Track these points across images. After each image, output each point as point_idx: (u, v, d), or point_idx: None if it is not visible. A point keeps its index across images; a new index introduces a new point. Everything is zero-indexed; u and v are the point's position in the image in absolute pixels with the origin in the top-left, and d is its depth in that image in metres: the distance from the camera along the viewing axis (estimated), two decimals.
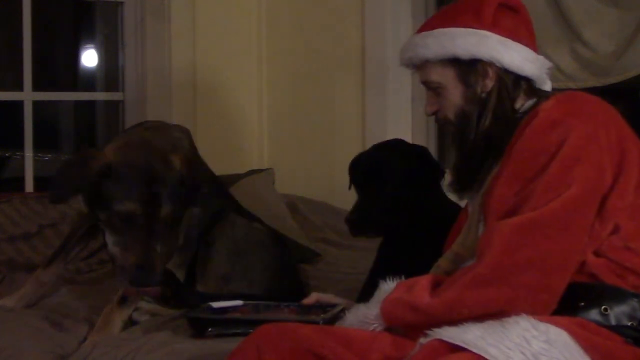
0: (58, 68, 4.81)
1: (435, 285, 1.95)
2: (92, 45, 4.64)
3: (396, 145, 2.81)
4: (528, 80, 2.11)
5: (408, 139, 3.97)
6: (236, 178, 3.68)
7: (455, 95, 2.10)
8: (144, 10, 4.05)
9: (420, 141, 4.01)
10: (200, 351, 2.24)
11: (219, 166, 3.94)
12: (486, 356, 1.72)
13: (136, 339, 2.39)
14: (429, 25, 2.19)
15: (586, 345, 1.78)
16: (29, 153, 3.88)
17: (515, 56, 2.07)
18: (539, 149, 1.94)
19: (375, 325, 1.97)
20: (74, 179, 2.54)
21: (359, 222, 2.67)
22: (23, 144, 3.87)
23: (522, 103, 2.11)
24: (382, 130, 3.98)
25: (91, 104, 4.58)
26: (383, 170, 2.68)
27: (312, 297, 2.37)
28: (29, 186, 3.88)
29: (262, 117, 4.37)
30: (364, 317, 1.99)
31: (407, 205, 2.62)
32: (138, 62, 4.07)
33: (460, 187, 2.15)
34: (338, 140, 4.16)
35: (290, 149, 4.30)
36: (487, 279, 1.85)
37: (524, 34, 2.12)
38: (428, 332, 1.82)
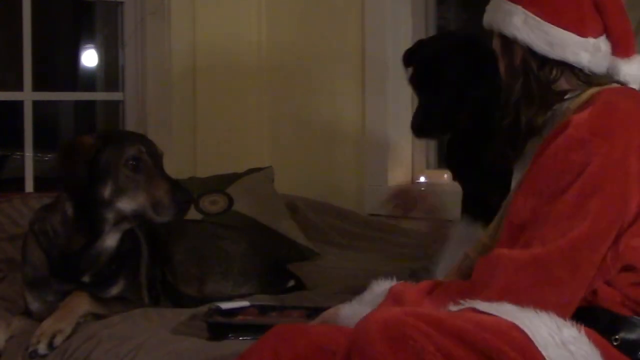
0: (58, 68, 4.81)
1: (427, 294, 1.90)
2: (92, 45, 4.65)
3: (451, 36, 2.72)
4: (562, 65, 1.98)
5: (408, 138, 3.99)
6: (235, 177, 3.68)
7: (502, 65, 2.06)
8: (144, 10, 4.05)
9: (419, 140, 4.01)
10: (202, 350, 2.24)
11: (219, 166, 3.95)
12: (521, 325, 1.73)
13: (138, 336, 2.39)
14: None
15: (606, 353, 1.78)
16: (29, 153, 3.87)
17: (538, 38, 1.96)
18: (560, 169, 1.85)
19: None
20: (77, 162, 2.56)
21: (422, 124, 2.61)
22: (23, 144, 3.87)
23: (567, 88, 1.99)
24: (382, 130, 3.98)
25: (91, 104, 4.58)
26: (443, 65, 2.61)
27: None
28: (29, 186, 3.88)
29: (262, 117, 4.37)
30: (357, 318, 1.94)
31: (472, 101, 2.55)
32: (138, 62, 4.07)
33: (494, 159, 2.10)
34: (338, 140, 4.16)
35: (290, 149, 4.30)
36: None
37: (571, 16, 1.97)
38: (461, 302, 1.80)
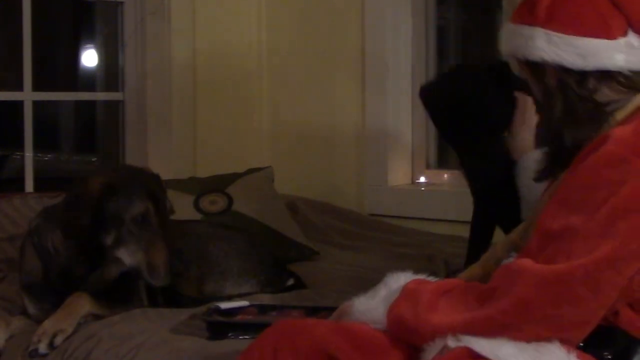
0: (58, 68, 4.80)
1: (443, 294, 1.86)
2: (92, 45, 4.64)
3: (478, 74, 2.55)
4: (600, 74, 1.90)
5: (408, 138, 4.00)
6: (235, 176, 3.68)
7: (535, 89, 1.99)
8: (144, 10, 4.05)
9: (419, 140, 4.02)
10: (202, 349, 2.24)
11: (219, 166, 3.95)
12: None
13: (138, 336, 2.39)
14: (511, 16, 2.03)
15: None
16: (29, 153, 3.88)
17: (568, 53, 1.88)
18: (594, 184, 1.79)
19: (381, 327, 1.89)
20: (82, 210, 2.54)
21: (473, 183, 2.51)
22: (23, 144, 3.87)
23: (610, 96, 1.91)
24: (382, 130, 3.98)
25: (91, 104, 4.57)
26: (475, 113, 2.49)
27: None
28: (29, 186, 3.88)
29: (263, 117, 4.37)
30: (371, 314, 1.91)
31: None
32: (138, 62, 4.07)
33: (544, 174, 2.03)
34: (338, 140, 4.16)
35: (290, 149, 4.30)
36: (500, 324, 1.76)
37: (591, 21, 1.89)
38: (461, 337, 1.75)
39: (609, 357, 1.82)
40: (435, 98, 2.59)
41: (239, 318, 2.37)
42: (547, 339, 1.75)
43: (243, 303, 2.43)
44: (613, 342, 1.82)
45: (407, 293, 1.88)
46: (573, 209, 1.79)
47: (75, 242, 2.58)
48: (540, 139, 2.03)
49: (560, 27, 1.89)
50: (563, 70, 1.90)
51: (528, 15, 1.92)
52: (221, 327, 2.32)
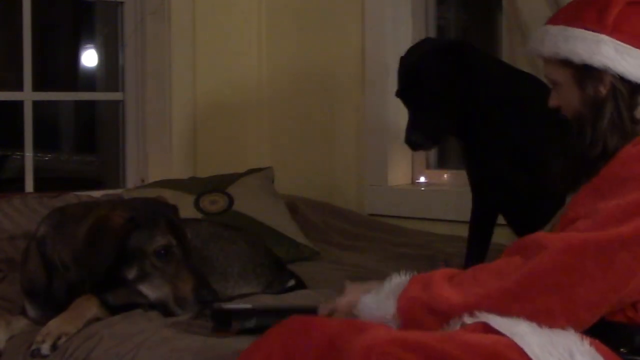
0: (58, 68, 4.81)
1: (450, 280, 1.88)
2: (92, 45, 4.64)
3: (426, 45, 2.72)
4: None
5: None
6: (235, 177, 3.68)
7: (571, 96, 2.00)
8: (144, 10, 4.05)
9: None
10: (202, 348, 2.24)
11: (219, 166, 3.95)
12: (528, 352, 1.70)
13: (139, 335, 2.39)
14: (555, 17, 2.06)
15: None
16: (29, 153, 3.88)
17: (632, 65, 1.93)
18: (624, 177, 1.85)
19: (391, 324, 1.89)
20: (105, 244, 2.49)
21: (414, 137, 2.63)
22: (23, 144, 3.87)
23: None
24: (382, 130, 3.98)
25: (91, 104, 4.57)
26: (423, 75, 2.62)
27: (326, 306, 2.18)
28: (29, 186, 3.88)
29: (262, 117, 4.37)
30: (378, 310, 1.91)
31: (458, 107, 2.56)
32: (138, 62, 4.07)
33: (566, 186, 2.06)
34: (338, 140, 4.16)
35: (290, 149, 4.30)
36: (513, 294, 1.79)
37: None
38: (477, 313, 1.78)
39: (624, 351, 1.83)
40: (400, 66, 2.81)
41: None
42: (559, 321, 1.76)
43: (246, 306, 2.41)
44: (630, 338, 1.83)
45: (416, 279, 1.91)
46: (600, 197, 1.83)
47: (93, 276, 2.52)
48: (576, 148, 2.00)
49: (627, 39, 1.93)
50: (621, 80, 1.94)
51: (594, 21, 1.95)
52: (226, 316, 2.29)
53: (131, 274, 2.52)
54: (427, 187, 3.99)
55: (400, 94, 2.83)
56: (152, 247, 2.51)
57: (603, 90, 1.96)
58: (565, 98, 2.02)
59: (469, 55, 2.74)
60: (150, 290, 2.53)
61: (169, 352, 2.26)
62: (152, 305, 2.54)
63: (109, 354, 2.34)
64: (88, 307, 2.53)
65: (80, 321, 2.49)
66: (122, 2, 4.08)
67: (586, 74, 1.96)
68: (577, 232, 1.80)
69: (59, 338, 2.45)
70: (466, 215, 2.98)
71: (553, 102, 2.06)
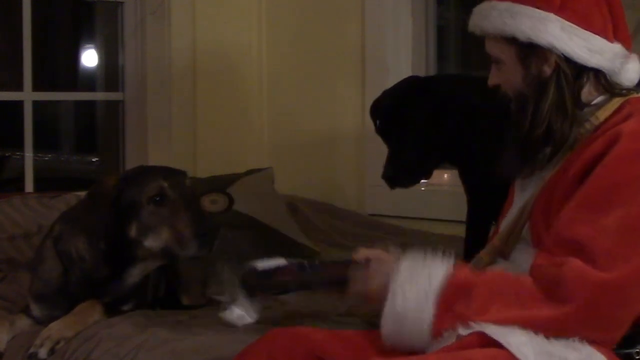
0: (58, 68, 4.81)
1: (495, 294, 1.82)
2: (92, 45, 4.64)
3: (411, 85, 2.74)
4: (596, 72, 1.92)
5: None
6: (235, 177, 3.68)
7: (514, 74, 1.95)
8: (144, 10, 4.05)
9: None
10: (202, 349, 2.24)
11: (219, 166, 3.95)
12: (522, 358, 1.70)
13: (138, 336, 2.39)
14: None
15: None
16: (29, 153, 3.88)
17: (578, 46, 1.89)
18: (619, 182, 1.79)
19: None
20: (101, 206, 2.53)
21: (393, 175, 2.63)
22: (23, 144, 3.87)
23: (591, 96, 1.93)
24: None
25: (91, 104, 4.58)
26: (403, 114, 2.62)
27: (361, 253, 2.08)
28: (29, 186, 3.88)
29: (263, 117, 4.37)
30: (417, 305, 1.84)
31: (439, 145, 2.57)
32: (138, 62, 4.07)
33: (511, 172, 2.02)
34: (338, 140, 4.16)
35: (290, 149, 4.30)
36: (561, 326, 1.76)
37: (599, 20, 1.92)
38: (472, 324, 1.76)
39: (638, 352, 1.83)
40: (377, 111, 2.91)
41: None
42: (587, 339, 1.76)
43: (280, 261, 2.32)
44: None
45: (453, 283, 1.83)
46: (599, 210, 1.79)
47: (100, 245, 2.54)
48: (518, 130, 1.95)
49: (573, 18, 1.90)
50: (566, 61, 1.90)
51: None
52: (264, 275, 2.17)
53: (132, 230, 2.52)
54: (427, 187, 3.98)
55: (381, 131, 2.81)
56: (145, 196, 2.51)
57: (547, 70, 1.91)
58: (507, 76, 1.96)
59: (443, 89, 2.75)
60: (153, 241, 2.52)
61: (169, 353, 2.26)
62: (161, 255, 2.53)
63: (109, 355, 2.35)
64: (91, 313, 2.54)
65: (82, 326, 2.50)
66: (122, 2, 4.08)
67: (531, 52, 1.91)
68: (602, 272, 1.75)
69: (58, 342, 2.45)
70: (466, 215, 2.99)
71: (493, 80, 2.01)
